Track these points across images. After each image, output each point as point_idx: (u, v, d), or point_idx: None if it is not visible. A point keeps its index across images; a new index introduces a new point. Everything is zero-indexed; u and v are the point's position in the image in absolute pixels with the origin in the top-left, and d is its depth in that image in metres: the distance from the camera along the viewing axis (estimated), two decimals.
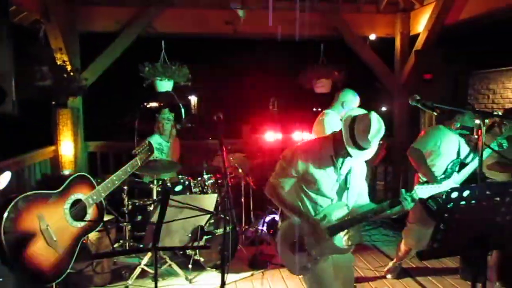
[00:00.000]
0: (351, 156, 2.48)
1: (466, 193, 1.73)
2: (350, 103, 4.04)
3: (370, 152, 2.51)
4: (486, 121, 2.22)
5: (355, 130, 2.44)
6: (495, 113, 3.19)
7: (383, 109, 11.19)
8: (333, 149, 2.58)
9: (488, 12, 4.85)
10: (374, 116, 2.47)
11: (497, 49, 8.61)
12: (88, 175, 2.82)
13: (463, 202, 1.74)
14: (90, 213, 2.78)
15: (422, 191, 2.43)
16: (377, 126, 2.44)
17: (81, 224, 2.71)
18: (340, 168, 2.61)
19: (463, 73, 5.29)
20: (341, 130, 2.53)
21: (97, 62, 5.55)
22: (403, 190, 2.48)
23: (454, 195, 1.72)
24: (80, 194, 2.74)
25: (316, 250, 2.56)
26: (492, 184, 2.38)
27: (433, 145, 3.74)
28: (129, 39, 5.55)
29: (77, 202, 2.73)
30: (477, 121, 2.16)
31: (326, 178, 2.59)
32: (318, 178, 2.56)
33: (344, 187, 2.67)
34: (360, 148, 2.46)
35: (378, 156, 4.10)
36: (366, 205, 2.75)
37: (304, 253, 2.56)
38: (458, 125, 3.28)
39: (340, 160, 2.60)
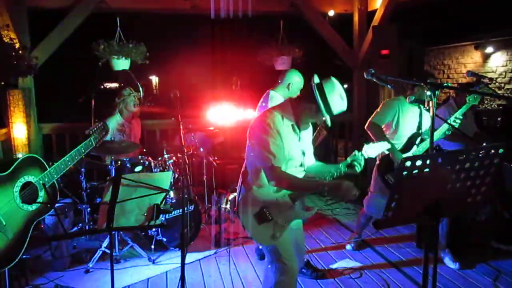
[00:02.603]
0: (330, 126, 2.53)
1: (419, 162, 1.77)
2: (297, 84, 3.89)
3: None
4: (438, 92, 2.26)
5: (329, 98, 2.44)
6: (445, 84, 3.29)
7: (344, 86, 11.32)
8: (294, 118, 2.57)
9: None
10: (335, 79, 2.50)
11: (451, 25, 8.84)
12: (39, 157, 2.70)
13: (415, 171, 1.78)
14: (42, 195, 2.67)
15: (371, 150, 2.53)
16: (342, 87, 2.49)
17: (32, 207, 2.60)
18: (299, 134, 2.62)
19: (419, 48, 5.38)
20: (301, 99, 2.56)
21: (48, 39, 5.27)
22: (356, 150, 2.57)
23: (408, 164, 1.75)
24: (31, 176, 2.62)
25: (282, 217, 2.57)
26: (444, 152, 2.45)
27: (391, 117, 3.81)
28: (81, 15, 5.31)
29: (28, 184, 2.61)
30: (429, 93, 2.21)
31: (292, 144, 2.58)
32: (287, 144, 2.54)
33: (301, 152, 2.68)
34: (333, 114, 2.48)
35: (318, 138, 4.10)
36: (318, 166, 2.79)
37: (271, 222, 2.56)
38: (413, 98, 3.34)
39: (300, 127, 2.62)
